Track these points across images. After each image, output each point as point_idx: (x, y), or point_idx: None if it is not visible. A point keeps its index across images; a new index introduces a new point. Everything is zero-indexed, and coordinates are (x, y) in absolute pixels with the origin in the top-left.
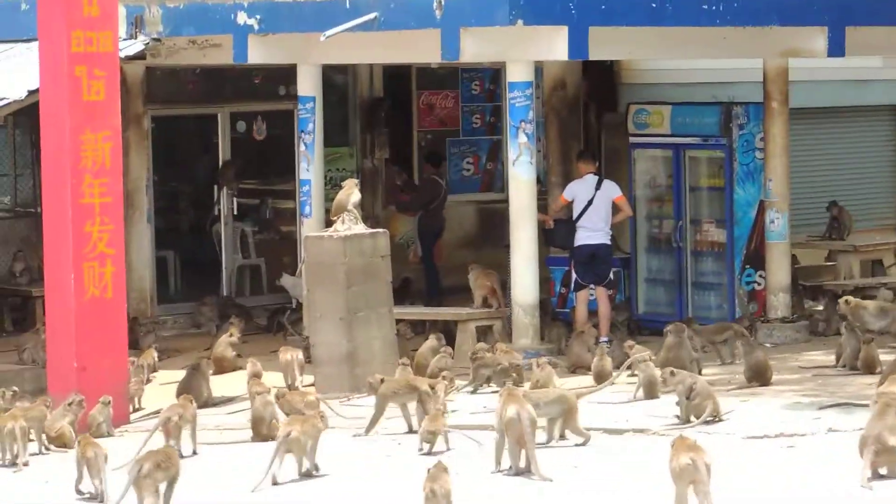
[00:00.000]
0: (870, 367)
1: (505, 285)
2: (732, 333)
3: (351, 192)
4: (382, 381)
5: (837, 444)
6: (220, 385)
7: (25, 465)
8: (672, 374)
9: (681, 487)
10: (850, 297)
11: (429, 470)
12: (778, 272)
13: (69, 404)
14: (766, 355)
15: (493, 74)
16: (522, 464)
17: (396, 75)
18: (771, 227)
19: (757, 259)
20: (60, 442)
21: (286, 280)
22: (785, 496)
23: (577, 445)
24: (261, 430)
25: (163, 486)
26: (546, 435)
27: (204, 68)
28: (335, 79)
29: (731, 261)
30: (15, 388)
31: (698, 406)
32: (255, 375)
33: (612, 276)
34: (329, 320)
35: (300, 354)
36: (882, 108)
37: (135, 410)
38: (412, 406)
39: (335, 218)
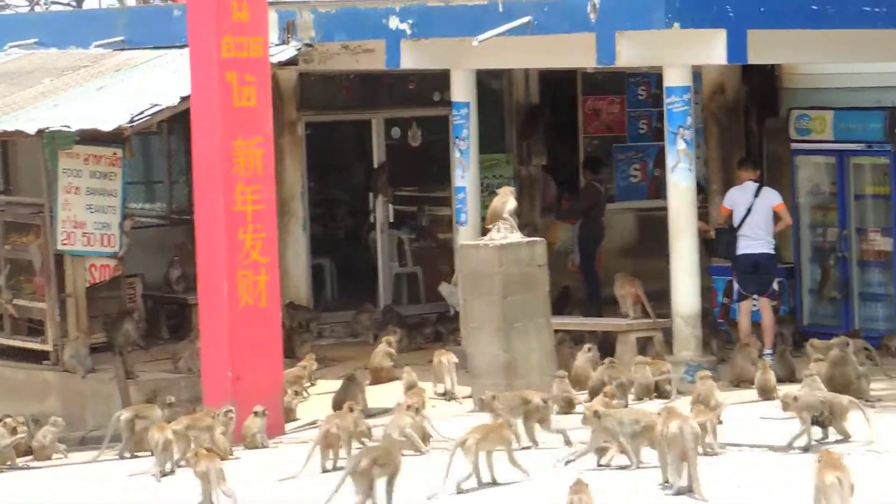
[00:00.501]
0: None
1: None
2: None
3: (507, 200)
4: (494, 397)
5: None
6: (376, 396)
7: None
8: (795, 399)
9: None
10: None
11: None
12: None
13: (220, 415)
14: None
15: (660, 79)
16: (684, 482)
17: (559, 80)
18: None
19: None
20: None
21: (444, 288)
22: None
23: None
24: None
25: (381, 483)
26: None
27: (358, 74)
28: (491, 84)
29: None
30: (171, 398)
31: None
32: (410, 386)
33: (775, 286)
34: (486, 330)
35: (453, 357)
36: None
37: (292, 420)
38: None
39: (490, 226)
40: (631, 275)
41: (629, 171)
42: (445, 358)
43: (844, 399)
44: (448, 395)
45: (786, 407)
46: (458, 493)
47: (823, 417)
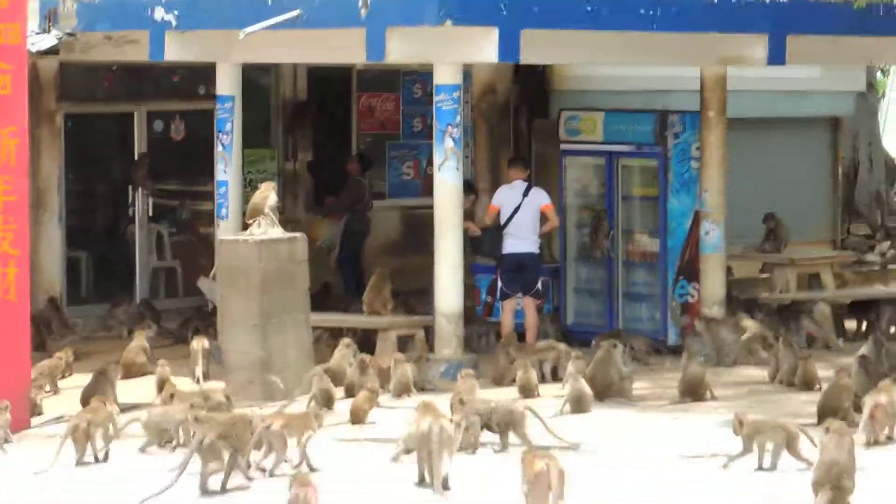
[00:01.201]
0: (808, 384)
1: (427, 292)
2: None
3: (268, 195)
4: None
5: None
6: (129, 390)
7: None
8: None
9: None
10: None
11: None
12: (712, 284)
13: None
14: (704, 369)
15: None
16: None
17: (333, 76)
18: (706, 238)
19: (691, 270)
20: None
21: (203, 283)
22: None
23: None
24: None
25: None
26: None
27: (121, 65)
28: (258, 79)
29: (664, 272)
30: None
31: None
32: (163, 380)
33: (540, 285)
34: (242, 326)
35: (206, 343)
36: (821, 119)
37: (37, 414)
38: None
39: (251, 221)
40: (384, 274)
41: (402, 169)
42: (198, 343)
43: (518, 407)
44: (197, 381)
45: (453, 408)
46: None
47: (493, 423)
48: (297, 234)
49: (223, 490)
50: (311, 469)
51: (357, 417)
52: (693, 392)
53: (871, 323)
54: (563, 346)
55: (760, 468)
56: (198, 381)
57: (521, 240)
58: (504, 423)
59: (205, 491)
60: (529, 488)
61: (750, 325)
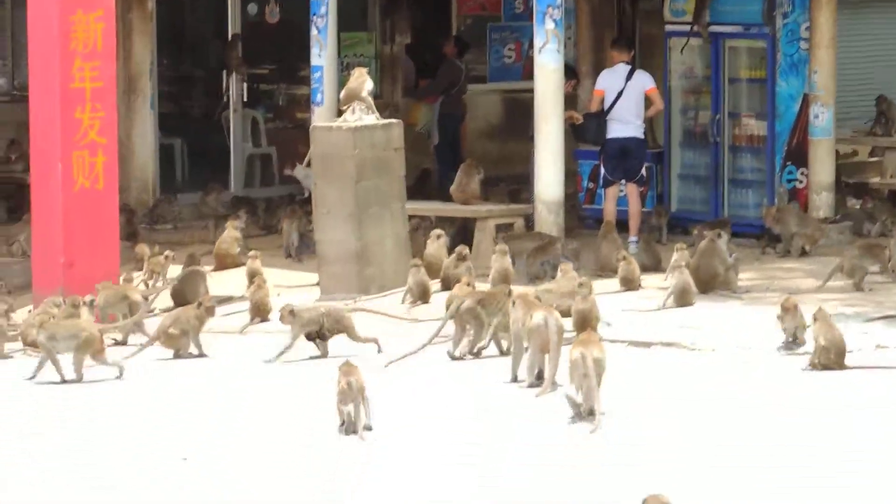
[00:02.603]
0: None
1: (526, 179)
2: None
3: (363, 80)
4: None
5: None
6: (222, 282)
7: None
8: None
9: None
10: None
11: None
12: (821, 170)
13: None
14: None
15: None
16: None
17: None
18: (815, 122)
19: (799, 155)
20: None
21: (299, 171)
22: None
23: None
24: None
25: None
26: None
27: None
28: None
29: (771, 157)
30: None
31: None
32: (253, 273)
33: (643, 172)
34: (337, 216)
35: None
36: None
37: None
38: None
39: (345, 108)
40: (472, 165)
41: (503, 52)
42: (290, 224)
43: (345, 310)
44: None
45: (283, 319)
46: None
47: (324, 330)
48: (394, 121)
49: (476, 354)
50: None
51: None
52: None
53: None
54: None
55: None
56: (289, 256)
57: (624, 124)
58: (334, 329)
59: (453, 357)
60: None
61: None
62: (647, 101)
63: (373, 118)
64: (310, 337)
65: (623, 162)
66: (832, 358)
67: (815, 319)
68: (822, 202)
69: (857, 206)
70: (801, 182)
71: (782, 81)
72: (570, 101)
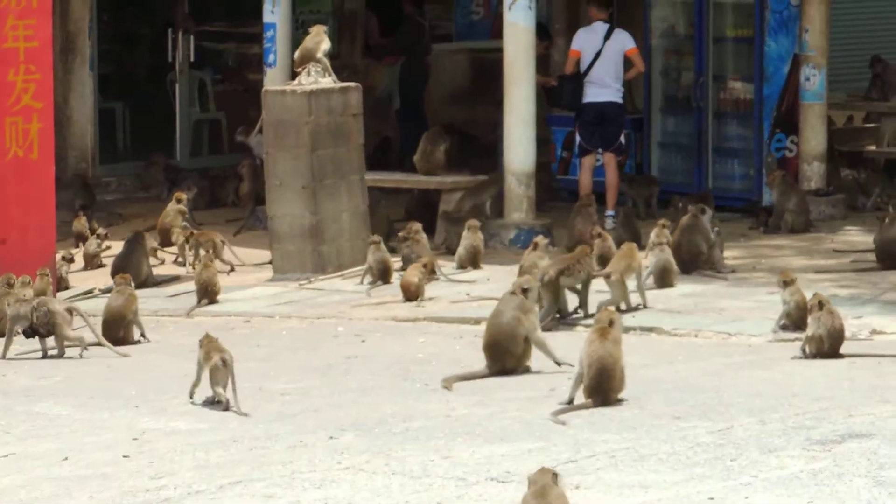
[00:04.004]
0: None
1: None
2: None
3: (320, 40)
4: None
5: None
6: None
7: None
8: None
9: None
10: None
11: None
12: (813, 138)
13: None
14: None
15: None
16: None
17: None
18: (806, 85)
19: (789, 122)
20: None
21: (252, 138)
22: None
23: None
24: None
25: None
26: None
27: None
28: None
29: (758, 123)
30: None
31: None
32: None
33: (622, 139)
34: (290, 189)
35: None
36: None
37: (64, 289)
38: None
39: (300, 69)
40: (437, 132)
41: (470, 8)
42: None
43: (60, 306)
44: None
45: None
46: None
47: (39, 325)
48: (352, 84)
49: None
50: None
51: (409, 293)
52: None
53: None
54: None
55: None
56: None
57: (602, 88)
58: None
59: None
60: None
61: None
62: (627, 63)
63: (329, 81)
64: (27, 334)
65: (600, 129)
66: (827, 347)
67: (811, 308)
68: (812, 172)
69: (850, 177)
70: (790, 151)
71: (771, 41)
72: (543, 62)
